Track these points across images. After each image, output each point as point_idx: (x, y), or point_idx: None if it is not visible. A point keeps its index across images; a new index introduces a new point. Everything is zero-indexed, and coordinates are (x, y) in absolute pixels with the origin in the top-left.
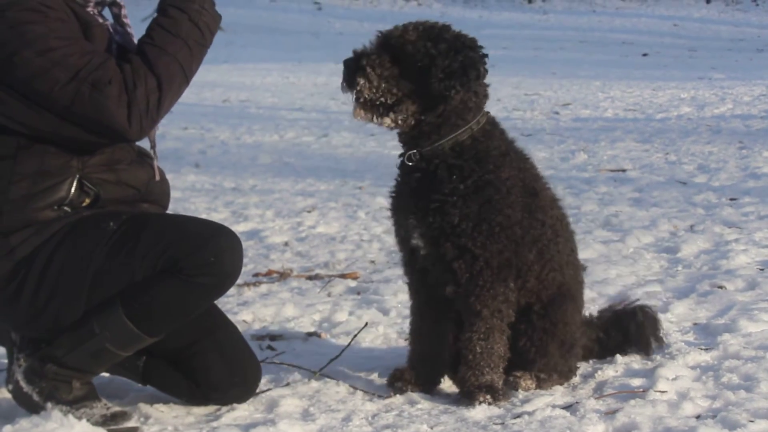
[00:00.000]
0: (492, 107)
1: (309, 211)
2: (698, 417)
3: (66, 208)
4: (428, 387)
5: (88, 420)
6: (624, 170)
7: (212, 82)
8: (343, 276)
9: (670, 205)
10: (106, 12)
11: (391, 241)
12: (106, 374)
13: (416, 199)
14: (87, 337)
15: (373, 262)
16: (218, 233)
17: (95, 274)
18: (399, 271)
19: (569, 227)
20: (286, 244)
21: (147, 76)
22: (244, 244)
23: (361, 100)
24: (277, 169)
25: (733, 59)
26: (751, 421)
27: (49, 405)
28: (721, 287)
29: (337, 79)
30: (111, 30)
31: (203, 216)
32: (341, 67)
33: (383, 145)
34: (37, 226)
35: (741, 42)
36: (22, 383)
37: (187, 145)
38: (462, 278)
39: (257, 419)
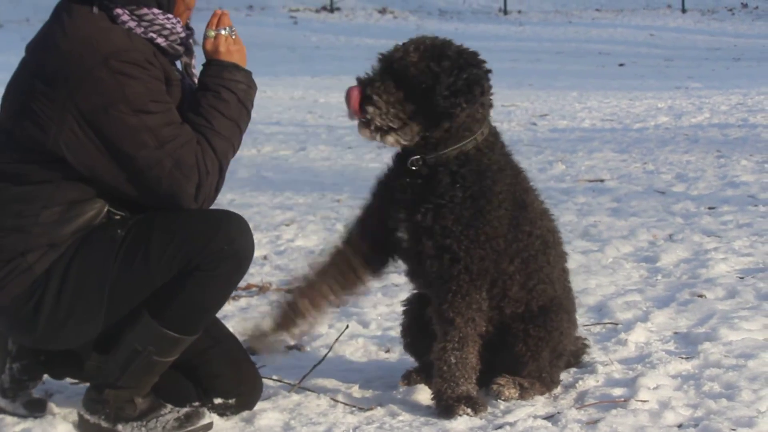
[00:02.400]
0: None
1: (287, 225)
2: (680, 426)
3: None
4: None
5: (163, 428)
6: (602, 180)
7: None
8: None
9: (648, 214)
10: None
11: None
12: (75, 387)
13: (412, 197)
14: (132, 357)
15: None
16: (225, 220)
17: (113, 285)
18: (378, 283)
19: (561, 244)
20: (265, 257)
21: (213, 160)
22: None
23: (372, 127)
24: (255, 183)
25: (710, 68)
26: (733, 430)
27: (119, 427)
28: (701, 296)
29: (315, 93)
30: (182, 86)
31: None
32: (317, 81)
33: (361, 158)
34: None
35: (717, 51)
36: (87, 416)
37: None
38: (434, 279)
39: None
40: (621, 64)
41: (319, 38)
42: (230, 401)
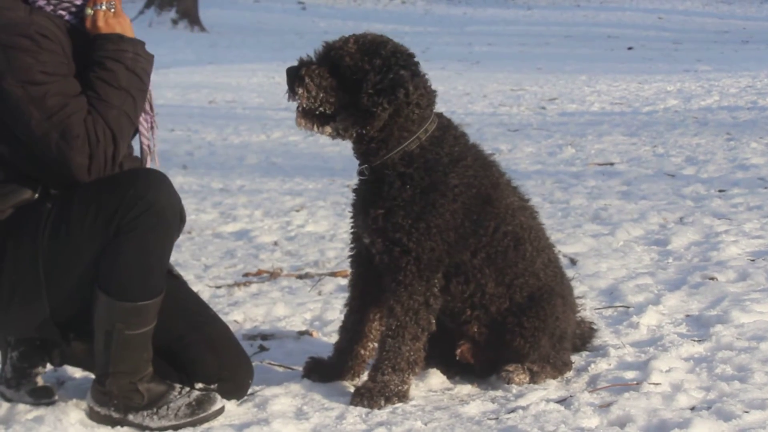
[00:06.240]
0: (478, 103)
1: (297, 210)
2: (693, 408)
3: None
4: (329, 376)
5: (175, 415)
6: (612, 164)
7: (198, 83)
8: (333, 274)
9: (659, 197)
10: None
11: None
12: (87, 373)
13: (367, 205)
14: (108, 339)
15: None
16: (135, 177)
17: (46, 261)
18: None
19: (542, 237)
20: (275, 243)
21: (105, 129)
22: (234, 245)
23: (301, 109)
24: (265, 169)
25: (719, 51)
26: (746, 412)
27: (130, 417)
28: (712, 279)
29: None
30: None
31: (192, 217)
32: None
33: None
34: None
35: (726, 34)
36: (97, 408)
37: (174, 147)
38: (384, 273)
39: (251, 419)
40: (630, 48)
41: (327, 24)
42: (212, 387)
